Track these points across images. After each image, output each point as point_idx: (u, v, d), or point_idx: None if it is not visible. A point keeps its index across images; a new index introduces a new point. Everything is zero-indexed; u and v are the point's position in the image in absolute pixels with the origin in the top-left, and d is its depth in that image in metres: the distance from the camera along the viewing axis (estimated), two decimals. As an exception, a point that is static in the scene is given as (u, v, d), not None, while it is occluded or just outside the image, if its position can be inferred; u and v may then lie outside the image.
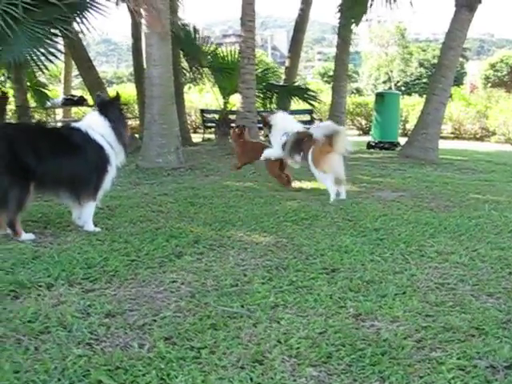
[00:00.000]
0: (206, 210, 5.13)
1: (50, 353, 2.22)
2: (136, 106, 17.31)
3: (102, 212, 4.71)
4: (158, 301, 2.84)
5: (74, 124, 4.36)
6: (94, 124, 4.28)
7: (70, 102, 16.64)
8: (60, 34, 9.75)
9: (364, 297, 2.96)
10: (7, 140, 3.94)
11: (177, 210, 5.08)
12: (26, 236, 3.94)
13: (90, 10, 9.54)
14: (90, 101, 16.01)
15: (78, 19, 9.52)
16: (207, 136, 17.15)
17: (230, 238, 4.10)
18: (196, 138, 16.37)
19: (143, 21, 8.59)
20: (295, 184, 6.85)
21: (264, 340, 2.39)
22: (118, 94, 4.61)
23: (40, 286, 2.96)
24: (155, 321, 2.57)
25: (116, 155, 4.36)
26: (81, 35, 10.85)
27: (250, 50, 10.88)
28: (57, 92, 19.33)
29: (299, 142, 6.15)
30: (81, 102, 16.79)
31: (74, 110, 19.28)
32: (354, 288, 3.09)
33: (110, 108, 4.42)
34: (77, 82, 27.43)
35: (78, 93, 20.87)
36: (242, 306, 2.76)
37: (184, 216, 4.85)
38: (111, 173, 4.35)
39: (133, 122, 15.56)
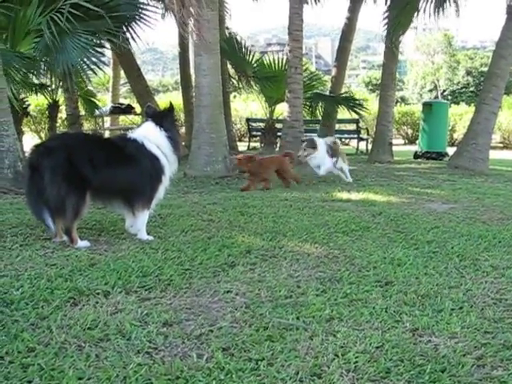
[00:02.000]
0: (256, 219, 5.15)
1: (111, 360, 2.25)
2: (182, 115, 17.51)
3: (154, 221, 4.76)
4: (214, 311, 2.85)
5: (129, 134, 4.43)
6: (150, 134, 4.34)
7: (118, 110, 16.92)
8: (106, 46, 10.00)
9: (420, 311, 2.91)
10: (65, 150, 4.03)
11: (227, 220, 5.11)
12: (82, 243, 4.03)
13: (137, 22, 9.75)
14: (138, 109, 16.30)
15: (125, 30, 9.74)
16: (253, 144, 17.24)
17: (281, 249, 4.09)
18: (241, 146, 16.47)
19: (192, 31, 8.71)
20: (344, 195, 6.81)
21: (321, 353, 2.38)
22: (171, 104, 4.66)
23: (98, 294, 3.00)
24: (212, 331, 2.58)
25: (170, 165, 4.42)
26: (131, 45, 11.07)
27: (298, 59, 10.91)
28: (105, 100, 19.68)
29: None
30: (128, 110, 17.08)
31: (121, 117, 19.63)
32: (409, 302, 3.04)
33: (165, 118, 4.49)
34: (124, 90, 27.91)
35: (125, 101, 21.27)
36: (298, 318, 2.75)
37: (235, 225, 4.87)
38: (165, 182, 4.41)
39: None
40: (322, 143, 8.10)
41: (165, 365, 2.23)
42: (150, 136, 4.34)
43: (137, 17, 9.77)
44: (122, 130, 17.54)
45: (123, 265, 3.50)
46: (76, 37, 8.84)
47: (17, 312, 2.69)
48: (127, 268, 3.43)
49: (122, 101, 20.50)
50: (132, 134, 4.39)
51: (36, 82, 11.29)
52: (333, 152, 8.15)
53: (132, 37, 9.90)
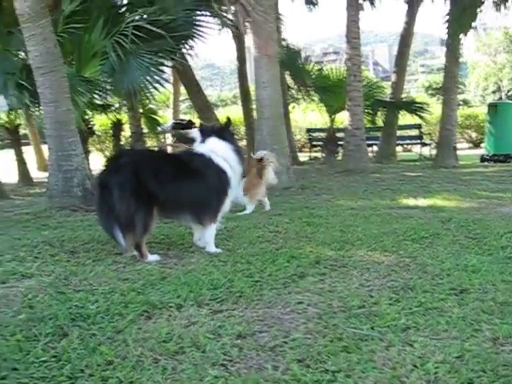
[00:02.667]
0: (322, 229, 5.10)
1: (188, 373, 2.26)
2: (242, 128, 17.67)
3: (221, 233, 4.78)
4: (286, 322, 2.83)
5: (196, 149, 4.48)
6: (217, 148, 4.39)
7: (179, 126, 17.17)
8: (167, 64, 10.23)
9: (500, 319, 2.80)
10: (133, 166, 4.11)
11: (294, 230, 5.09)
12: (152, 257, 4.09)
13: (195, 39, 9.94)
14: (199, 124, 16.50)
15: (185, 48, 9.95)
16: (313, 155, 17.18)
17: (350, 258, 4.04)
18: (302, 157, 16.44)
19: (251, 44, 8.79)
20: (411, 201, 6.69)
21: (399, 364, 2.32)
22: (229, 119, 4.73)
23: (170, 307, 3.03)
24: (286, 342, 2.55)
25: (235, 178, 4.44)
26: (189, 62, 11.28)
27: (356, 67, 10.85)
28: (166, 117, 20.06)
29: None
30: (189, 125, 17.29)
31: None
32: (487, 310, 2.93)
33: (227, 133, 4.55)
34: (183, 106, 28.36)
35: (185, 117, 21.60)
36: (373, 328, 2.69)
37: (302, 236, 4.84)
38: (231, 195, 4.44)
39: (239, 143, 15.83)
40: None
41: (241, 377, 2.22)
42: (218, 150, 4.38)
43: (195, 34, 9.94)
44: (183, 145, 17.83)
45: (194, 278, 3.53)
46: (139, 57, 9.09)
47: (93, 326, 2.75)
48: (198, 281, 3.45)
49: (182, 117, 20.83)
50: (198, 149, 4.44)
51: (100, 102, 11.61)
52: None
53: (190, 54, 10.13)
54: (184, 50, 10.18)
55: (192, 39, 10.06)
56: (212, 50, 15.03)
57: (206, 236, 4.35)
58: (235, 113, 22.69)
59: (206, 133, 4.63)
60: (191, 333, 2.65)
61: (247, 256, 4.11)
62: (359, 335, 2.61)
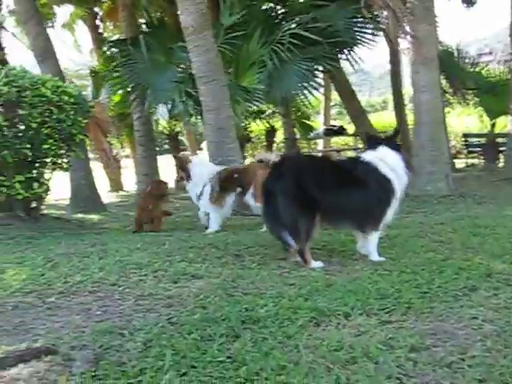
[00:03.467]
0: (490, 240, 4.81)
1: (362, 384, 2.22)
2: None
3: (383, 241, 4.68)
4: (461, 338, 2.68)
5: (362, 157, 4.43)
6: (386, 157, 4.32)
7: (331, 132, 17.22)
8: (323, 70, 10.28)
9: None
10: (296, 172, 4.15)
11: (459, 241, 4.85)
12: (316, 264, 4.10)
13: (356, 45, 9.89)
14: (350, 130, 16.43)
15: (343, 54, 9.95)
16: (470, 161, 16.38)
17: (526, 273, 3.77)
18: (458, 163, 15.74)
19: (406, 47, 8.59)
20: None
21: None
22: (397, 129, 4.65)
23: (338, 315, 3.00)
24: (463, 360, 2.42)
25: (401, 188, 4.34)
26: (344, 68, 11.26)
27: (522, 66, 10.19)
28: (317, 123, 20.18)
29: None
30: (341, 131, 17.30)
31: (333, 139, 19.94)
32: None
33: (395, 142, 4.51)
34: (332, 112, 28.35)
35: (335, 123, 21.58)
36: (562, 351, 2.48)
37: (468, 247, 4.60)
38: (394, 205, 4.33)
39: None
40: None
41: (419, 393, 2.14)
42: (387, 159, 4.31)
43: (358, 40, 9.92)
44: (335, 151, 17.83)
45: (359, 286, 3.47)
46: (296, 64, 9.24)
47: (264, 330, 2.79)
48: (364, 289, 3.39)
49: (332, 123, 20.85)
50: (365, 157, 4.38)
51: (255, 109, 11.93)
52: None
53: (349, 60, 10.08)
54: (343, 56, 10.18)
55: (355, 45, 10.06)
56: (361, 55, 14.81)
57: (369, 244, 4.29)
58: (386, 118, 22.28)
59: (372, 141, 4.58)
60: (362, 343, 2.61)
61: (412, 266, 3.97)
62: (546, 358, 2.41)
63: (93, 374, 2.32)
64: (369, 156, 4.35)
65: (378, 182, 4.24)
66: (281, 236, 4.23)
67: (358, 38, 9.97)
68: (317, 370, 2.35)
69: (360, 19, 9.90)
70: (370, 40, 10.04)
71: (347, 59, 10.19)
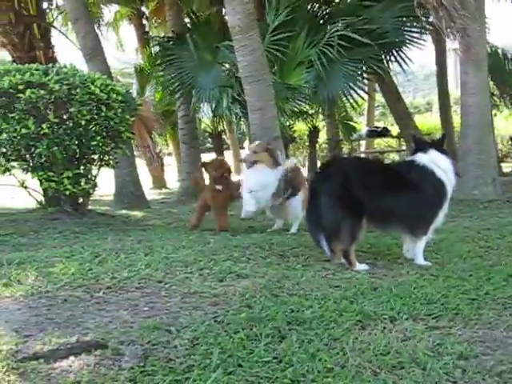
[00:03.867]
0: (542, 248, 4.71)
1: (413, 390, 2.21)
2: (438, 136, 17.03)
3: (429, 246, 4.62)
4: (511, 347, 2.64)
5: (417, 160, 4.38)
6: (439, 161, 4.31)
7: (375, 133, 17.06)
8: (370, 71, 10.22)
9: None
10: (343, 174, 4.14)
11: (507, 247, 4.75)
12: (361, 266, 4.08)
13: (408, 46, 9.82)
14: (394, 131, 16.24)
15: (392, 56, 9.88)
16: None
17: None
18: (505, 167, 15.43)
19: (454, 48, 8.49)
20: None
21: None
22: (444, 134, 4.61)
23: (384, 319, 2.98)
24: (515, 369, 2.38)
25: (451, 191, 4.30)
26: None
27: None
28: (361, 124, 20.03)
29: None
30: (384, 133, 17.12)
31: (376, 140, 19.77)
32: None
33: (443, 146, 4.48)
34: (376, 113, 28.09)
35: (378, 124, 21.40)
36: None
37: (517, 254, 4.51)
38: (445, 208, 4.31)
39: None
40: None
41: (469, 401, 2.12)
42: (440, 162, 4.30)
43: (407, 41, 9.84)
44: (378, 153, 17.66)
45: (405, 290, 3.45)
46: (343, 65, 9.23)
47: (310, 331, 2.79)
48: (410, 294, 3.37)
49: (375, 124, 20.66)
50: (420, 160, 4.34)
51: (298, 109, 11.91)
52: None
53: (397, 60, 10.00)
54: (391, 57, 10.10)
55: (404, 46, 9.98)
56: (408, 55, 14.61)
57: (416, 248, 4.25)
58: (430, 120, 21.98)
59: (420, 144, 4.54)
60: (409, 348, 2.59)
61: (459, 271, 3.92)
62: None
63: (142, 369, 2.36)
64: (422, 159, 4.31)
65: (433, 185, 4.23)
66: (318, 240, 4.25)
67: (408, 38, 9.88)
68: (363, 374, 2.34)
69: (406, 19, 9.80)
70: (418, 39, 9.93)
71: (396, 60, 10.08)
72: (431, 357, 2.50)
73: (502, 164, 15.86)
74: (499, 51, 13.84)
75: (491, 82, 13.60)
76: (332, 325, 2.88)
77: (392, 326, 2.91)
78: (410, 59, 10.11)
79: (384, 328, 2.87)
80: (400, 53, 9.96)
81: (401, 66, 10.18)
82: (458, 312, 3.10)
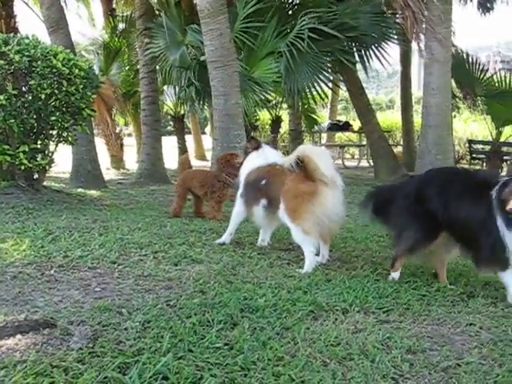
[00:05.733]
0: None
1: (358, 382, 2.23)
2: (398, 134, 17.27)
3: (384, 241, 4.68)
4: (458, 343, 2.70)
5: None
6: None
7: (336, 127, 17.19)
8: (334, 64, 10.29)
9: None
10: (420, 183, 3.86)
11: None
12: (395, 274, 3.77)
13: (386, 42, 9.93)
14: (356, 126, 16.41)
15: (364, 50, 9.99)
16: (473, 167, 16.38)
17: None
18: (461, 169, 15.73)
19: (419, 48, 8.60)
20: None
21: None
22: None
23: (336, 310, 3.01)
24: (459, 365, 2.43)
25: None
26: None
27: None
28: (323, 117, 20.15)
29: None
30: (346, 127, 17.27)
31: (337, 134, 19.95)
32: None
33: None
34: (339, 107, 28.30)
35: (341, 118, 21.58)
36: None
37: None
38: None
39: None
40: None
41: (414, 395, 2.15)
42: None
43: (385, 37, 9.97)
44: (339, 146, 17.81)
45: (358, 284, 3.49)
46: (313, 57, 9.25)
47: (262, 320, 2.80)
48: (363, 287, 3.41)
49: (338, 118, 20.83)
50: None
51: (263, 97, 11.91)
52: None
53: (377, 56, 10.12)
54: (361, 52, 10.20)
55: (384, 42, 10.08)
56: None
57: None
58: (391, 118, 22.30)
59: None
60: (359, 340, 2.62)
61: (411, 268, 3.99)
62: (541, 370, 2.42)
63: (90, 350, 2.32)
64: None
65: None
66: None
67: (385, 34, 10.00)
68: (313, 364, 2.36)
69: (380, 16, 9.90)
70: (393, 36, 10.09)
71: (376, 56, 10.17)
72: (380, 350, 2.53)
73: (458, 165, 16.17)
74: (463, 54, 14.05)
75: (454, 84, 13.84)
76: (284, 314, 2.90)
77: (344, 317, 2.94)
78: (388, 54, 10.23)
79: (336, 319, 2.90)
80: (379, 49, 10.04)
81: (381, 62, 10.25)
82: (408, 307, 3.15)
